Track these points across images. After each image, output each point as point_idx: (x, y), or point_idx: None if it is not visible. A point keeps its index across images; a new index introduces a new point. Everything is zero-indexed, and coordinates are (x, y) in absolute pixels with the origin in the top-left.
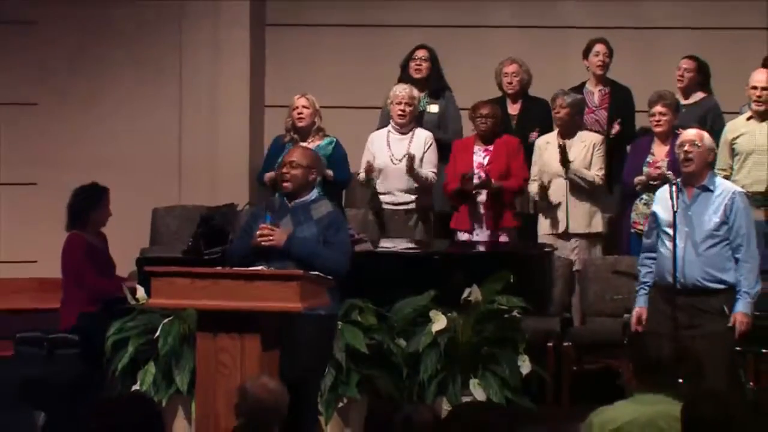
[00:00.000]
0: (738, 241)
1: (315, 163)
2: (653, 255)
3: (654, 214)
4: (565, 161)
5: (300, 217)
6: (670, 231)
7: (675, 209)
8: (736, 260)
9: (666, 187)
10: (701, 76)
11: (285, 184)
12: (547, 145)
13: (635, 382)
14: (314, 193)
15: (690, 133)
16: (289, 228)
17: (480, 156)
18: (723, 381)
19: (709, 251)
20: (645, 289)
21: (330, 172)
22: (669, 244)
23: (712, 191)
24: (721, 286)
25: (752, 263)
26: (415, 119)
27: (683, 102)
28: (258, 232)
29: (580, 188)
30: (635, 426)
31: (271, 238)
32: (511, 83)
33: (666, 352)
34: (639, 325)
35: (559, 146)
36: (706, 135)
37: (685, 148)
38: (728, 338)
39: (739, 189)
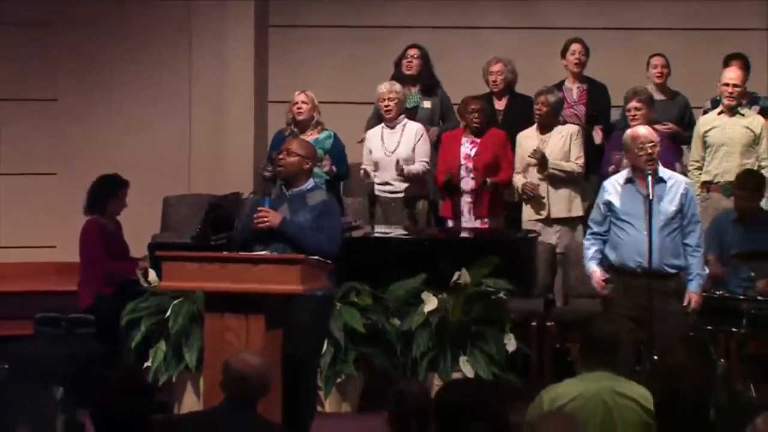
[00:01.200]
0: (690, 227)
1: (311, 154)
2: (602, 238)
3: (608, 204)
4: (543, 167)
5: (296, 204)
6: (630, 219)
7: (651, 197)
8: (685, 245)
9: (613, 178)
10: (669, 73)
11: (279, 169)
12: (528, 139)
13: (582, 361)
14: (310, 183)
15: (645, 132)
16: (286, 213)
17: (467, 147)
18: (684, 356)
19: (668, 238)
20: (597, 258)
21: (333, 168)
22: (630, 231)
23: (665, 182)
24: (675, 271)
25: (702, 248)
26: (403, 112)
27: (661, 98)
28: (255, 215)
29: (558, 177)
30: (581, 401)
31: (266, 219)
32: (496, 81)
33: (609, 334)
34: (605, 289)
35: (537, 157)
36: (654, 133)
37: (649, 150)
38: (685, 317)
39: (688, 180)
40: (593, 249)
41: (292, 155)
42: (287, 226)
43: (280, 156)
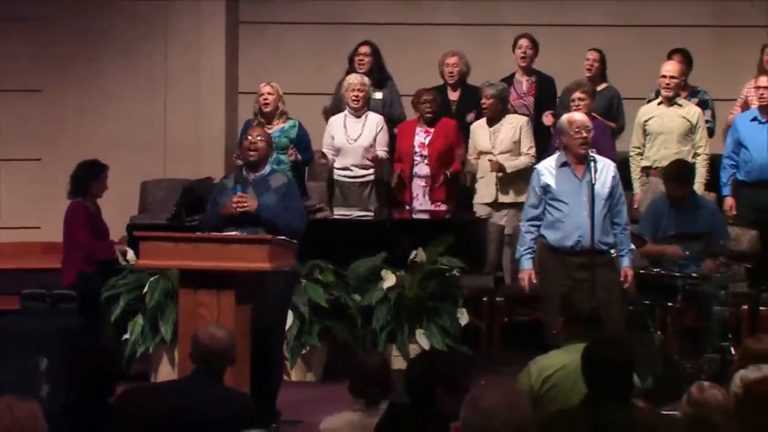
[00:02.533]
0: (618, 207)
1: (272, 143)
2: (539, 223)
3: (545, 186)
4: (502, 172)
5: (260, 188)
6: (567, 200)
7: (594, 182)
8: (615, 224)
9: (548, 161)
10: (603, 67)
11: (251, 153)
12: (479, 129)
13: (565, 334)
14: (269, 168)
15: (580, 118)
16: (254, 197)
17: (421, 137)
18: (622, 325)
19: (600, 216)
20: (531, 254)
21: (299, 156)
22: (567, 211)
23: (597, 165)
24: (606, 247)
25: (628, 226)
26: (367, 104)
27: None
28: (234, 201)
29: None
30: (566, 371)
31: (244, 204)
32: (452, 73)
33: (589, 307)
34: (529, 285)
35: (496, 169)
36: (589, 119)
37: (584, 134)
38: (619, 287)
39: (613, 162)
40: (529, 238)
41: (262, 141)
42: (264, 210)
43: (251, 141)
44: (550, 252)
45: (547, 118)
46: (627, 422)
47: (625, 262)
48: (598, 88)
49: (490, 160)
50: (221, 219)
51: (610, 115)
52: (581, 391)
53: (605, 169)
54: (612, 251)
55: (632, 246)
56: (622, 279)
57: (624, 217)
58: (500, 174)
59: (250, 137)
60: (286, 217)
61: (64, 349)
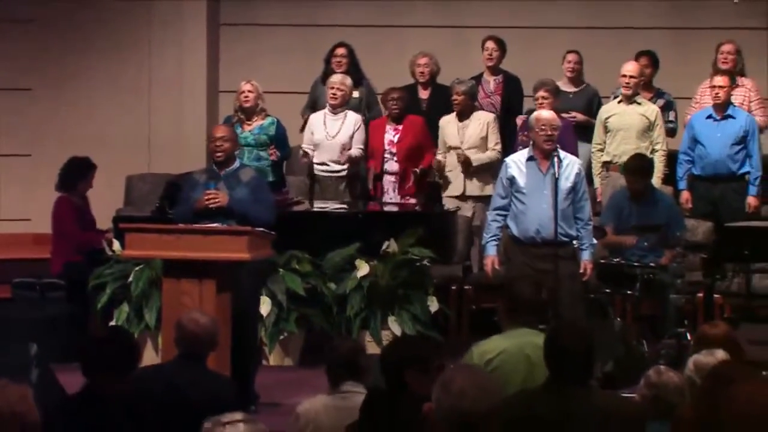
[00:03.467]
0: (581, 203)
1: (236, 138)
2: (505, 213)
3: (511, 179)
4: (467, 168)
5: (231, 182)
6: (532, 193)
7: (557, 176)
8: (578, 219)
9: (517, 155)
10: (581, 68)
11: (218, 154)
12: (448, 124)
13: (506, 320)
14: (237, 162)
15: (548, 116)
16: (226, 191)
17: (391, 134)
18: (582, 314)
19: (563, 210)
20: (495, 241)
21: (278, 153)
22: (531, 204)
23: (562, 161)
24: (568, 239)
25: (591, 221)
26: (346, 103)
27: (573, 90)
28: (205, 197)
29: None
30: (506, 354)
31: (217, 200)
32: (422, 73)
33: (529, 295)
34: (493, 271)
35: (462, 162)
36: (557, 117)
37: (549, 131)
38: (581, 279)
39: (579, 159)
40: (495, 226)
41: (227, 141)
42: (236, 204)
43: (217, 143)
44: (515, 243)
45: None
46: (587, 404)
47: (586, 256)
48: (579, 88)
49: (458, 154)
50: (193, 213)
51: (592, 113)
52: (520, 373)
53: (570, 165)
54: (574, 242)
55: (594, 241)
56: (582, 272)
57: (587, 213)
58: (467, 166)
59: (215, 140)
60: (257, 210)
61: (77, 337)
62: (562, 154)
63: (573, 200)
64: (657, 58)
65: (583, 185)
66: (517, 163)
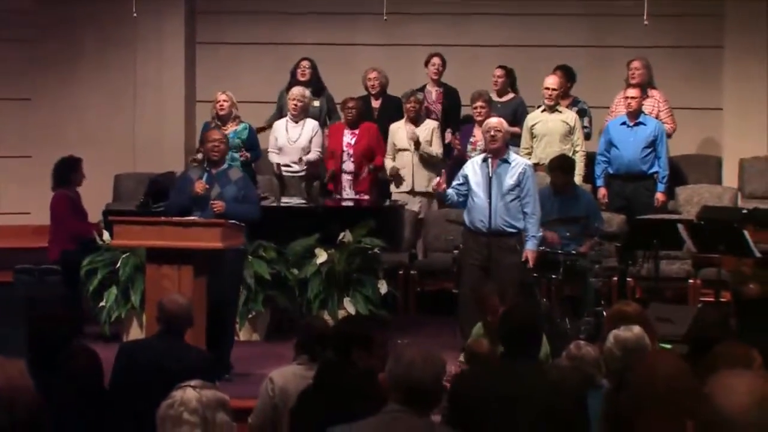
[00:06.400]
0: (527, 199)
1: (228, 142)
2: (457, 190)
3: (465, 176)
4: (417, 147)
5: (222, 180)
6: (478, 189)
7: (491, 175)
8: (525, 213)
9: (477, 156)
10: (510, 80)
11: (215, 153)
12: (398, 129)
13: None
14: (226, 164)
15: (494, 121)
16: (221, 201)
17: (348, 137)
18: (515, 297)
19: (508, 205)
20: (453, 190)
21: (248, 155)
22: (476, 199)
23: (509, 163)
24: (514, 231)
25: (536, 215)
26: (305, 112)
27: (500, 100)
28: (197, 186)
29: (423, 159)
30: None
31: (216, 209)
32: (373, 85)
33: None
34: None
35: (413, 141)
36: (504, 123)
37: (491, 133)
38: (520, 268)
39: (529, 162)
40: (451, 191)
41: (223, 143)
42: (230, 210)
43: (215, 144)
44: (468, 232)
45: (448, 135)
46: (538, 377)
47: (528, 245)
48: (504, 99)
49: (411, 132)
50: (191, 200)
51: (516, 122)
52: None
53: (517, 166)
54: (517, 232)
55: (538, 233)
56: (523, 260)
57: (531, 207)
58: (415, 146)
59: (212, 141)
60: (247, 209)
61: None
62: (512, 156)
63: (518, 196)
64: (573, 71)
65: (528, 183)
66: (473, 163)
